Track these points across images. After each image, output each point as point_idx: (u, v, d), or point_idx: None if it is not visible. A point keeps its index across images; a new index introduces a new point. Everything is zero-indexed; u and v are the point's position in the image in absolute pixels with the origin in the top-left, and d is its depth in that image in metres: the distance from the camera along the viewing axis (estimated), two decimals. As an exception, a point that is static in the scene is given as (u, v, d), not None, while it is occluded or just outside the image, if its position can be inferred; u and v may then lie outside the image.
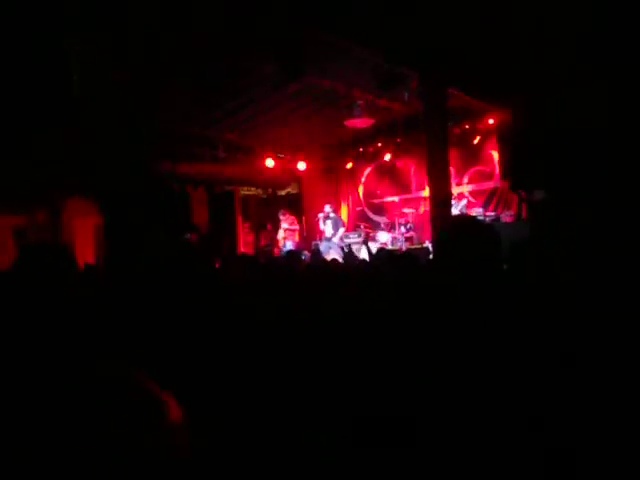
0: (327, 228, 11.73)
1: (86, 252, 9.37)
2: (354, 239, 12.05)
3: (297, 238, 12.58)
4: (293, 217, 12.71)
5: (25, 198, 8.63)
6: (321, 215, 11.85)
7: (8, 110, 6.85)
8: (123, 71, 6.75)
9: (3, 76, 5.96)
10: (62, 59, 6.12)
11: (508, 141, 9.81)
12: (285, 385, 1.77)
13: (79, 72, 6.35)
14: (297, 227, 12.66)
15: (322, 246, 11.34)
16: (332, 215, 11.81)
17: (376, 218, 12.99)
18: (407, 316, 1.84)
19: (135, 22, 5.68)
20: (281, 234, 12.52)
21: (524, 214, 9.53)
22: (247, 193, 13.46)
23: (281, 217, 12.58)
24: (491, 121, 10.19)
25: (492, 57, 6.86)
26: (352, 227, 13.05)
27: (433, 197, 7.52)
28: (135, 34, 5.95)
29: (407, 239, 11.25)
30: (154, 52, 6.48)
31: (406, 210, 11.96)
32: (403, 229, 11.50)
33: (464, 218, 2.89)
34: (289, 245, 12.03)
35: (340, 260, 7.26)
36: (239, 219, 12.96)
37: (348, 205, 13.74)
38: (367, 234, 12.02)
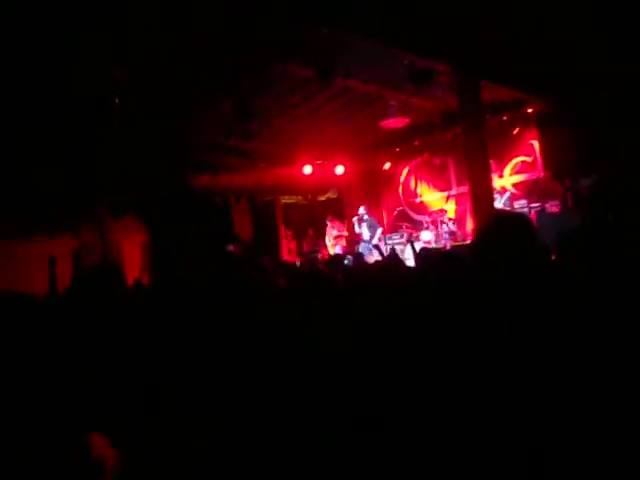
0: (363, 230, 11.74)
1: (134, 270, 9.63)
2: (397, 240, 11.97)
3: (345, 243, 12.59)
4: (340, 223, 12.72)
5: (73, 220, 8.94)
6: (355, 218, 11.91)
7: (53, 132, 7.14)
8: (161, 86, 6.93)
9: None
10: (104, 83, 6.35)
11: (550, 129, 9.56)
12: (316, 390, 1.78)
13: (119, 92, 6.56)
14: (345, 233, 12.65)
15: (361, 249, 11.32)
16: (366, 217, 11.82)
17: (417, 217, 12.85)
18: (448, 318, 1.82)
19: (168, 39, 5.82)
20: (330, 241, 12.55)
21: (570, 203, 9.25)
22: (288, 201, 13.57)
23: (328, 223, 12.64)
24: (530, 110, 9.96)
25: (524, 46, 6.72)
26: (393, 228, 12.95)
27: (474, 192, 7.40)
28: (169, 50, 6.11)
29: (451, 236, 11.09)
30: (191, 66, 6.64)
31: (447, 207, 11.81)
32: (446, 227, 11.35)
33: (497, 215, 2.83)
34: (338, 250, 12.08)
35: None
36: (281, 227, 13.07)
37: (388, 206, 13.66)
38: (410, 234, 11.91)
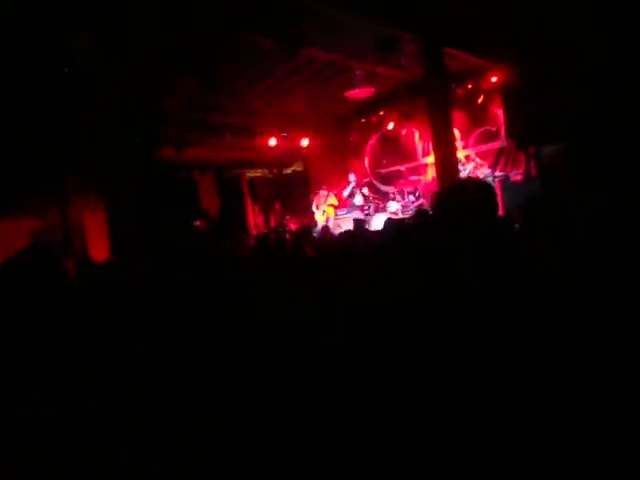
0: (358, 197, 11.96)
1: (99, 248, 9.43)
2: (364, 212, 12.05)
3: (332, 213, 12.47)
4: (330, 193, 12.58)
5: (35, 199, 8.68)
6: (352, 186, 12.12)
7: (12, 110, 6.87)
8: (122, 59, 6.71)
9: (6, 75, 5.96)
10: (59, 50, 6.10)
11: (513, 98, 9.63)
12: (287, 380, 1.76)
13: (76, 63, 6.33)
14: (335, 203, 12.52)
15: (354, 216, 11.29)
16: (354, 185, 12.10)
17: (384, 188, 12.90)
18: (405, 287, 1.83)
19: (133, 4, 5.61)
20: (320, 211, 12.41)
21: (533, 172, 9.41)
22: (254, 175, 13.44)
23: (321, 193, 12.47)
24: (494, 79, 9.99)
25: (489, 13, 6.71)
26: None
27: (439, 162, 7.44)
28: (133, 17, 5.89)
29: (417, 207, 11.17)
30: (151, 36, 6.42)
31: (413, 177, 11.87)
32: (412, 197, 11.43)
33: (457, 181, 2.85)
34: (330, 221, 12.02)
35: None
36: (248, 202, 12.96)
37: (355, 177, 13.65)
38: (377, 205, 11.97)
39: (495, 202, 1.67)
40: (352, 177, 12.23)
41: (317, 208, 12.42)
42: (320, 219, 12.24)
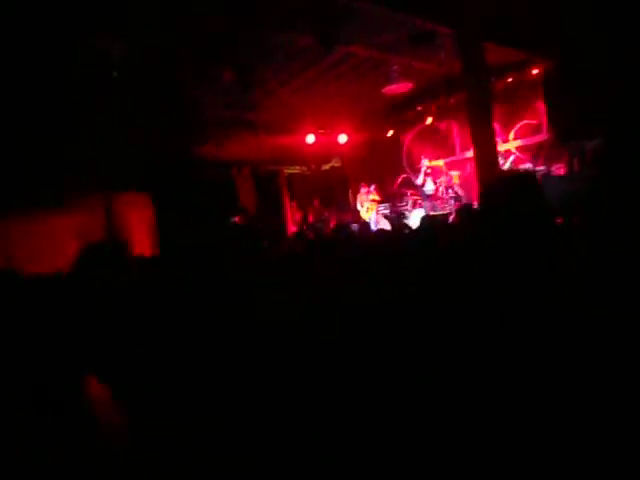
0: (429, 184, 11.00)
1: (144, 245, 9.66)
2: (402, 207, 11.99)
3: (382, 208, 12.41)
4: (370, 189, 12.49)
5: (79, 197, 8.94)
6: (424, 168, 11.07)
7: (54, 108, 7.11)
8: (162, 59, 6.86)
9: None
10: (100, 55, 6.27)
11: (556, 91, 9.41)
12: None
13: (118, 67, 6.50)
14: (377, 197, 12.44)
15: (428, 208, 10.82)
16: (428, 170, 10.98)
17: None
18: (447, 281, 1.83)
19: (167, 8, 5.73)
20: (362, 206, 12.35)
21: (576, 166, 9.17)
22: (291, 171, 13.51)
23: (362, 190, 12.43)
24: (535, 72, 9.78)
25: (528, 4, 6.58)
26: (398, 196, 12.90)
27: (478, 157, 7.34)
28: (169, 20, 6.01)
29: (456, 201, 11.03)
30: (189, 36, 6.54)
31: (453, 173, 11.72)
32: (451, 192, 11.29)
33: (505, 174, 2.79)
34: (373, 217, 11.89)
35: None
36: (285, 198, 13.04)
37: (393, 173, 13.58)
38: (415, 201, 11.88)
39: (543, 196, 1.65)
40: (425, 161, 11.20)
41: (361, 205, 12.43)
42: (365, 216, 12.23)
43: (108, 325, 1.64)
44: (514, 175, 1.82)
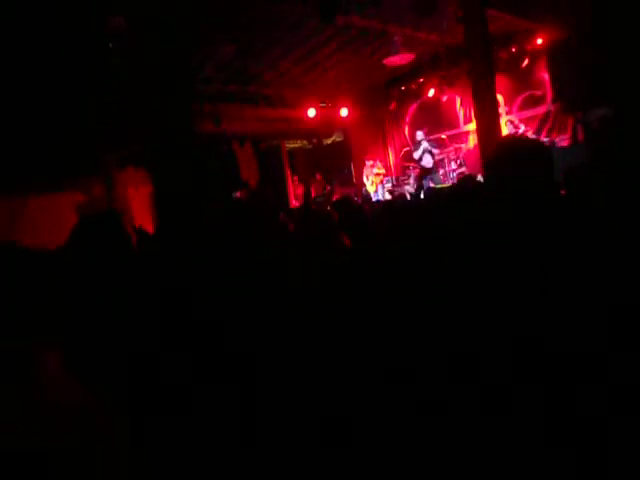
0: (426, 158, 10.76)
1: (144, 221, 9.66)
2: (404, 180, 11.95)
3: (389, 182, 12.41)
4: (375, 162, 12.52)
5: (80, 173, 8.91)
6: (423, 144, 10.75)
7: (55, 86, 7.04)
8: (161, 32, 6.74)
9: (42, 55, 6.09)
10: (99, 27, 6.18)
11: (561, 60, 9.24)
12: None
13: (116, 39, 6.40)
14: (384, 171, 12.47)
15: (432, 182, 10.58)
16: (425, 143, 10.72)
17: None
18: (453, 252, 1.80)
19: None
20: (368, 179, 12.36)
21: (580, 137, 9.07)
22: (293, 146, 13.41)
23: (367, 162, 12.45)
24: (540, 41, 9.61)
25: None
26: (401, 169, 12.83)
27: (481, 130, 7.25)
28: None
29: (459, 175, 10.96)
30: (189, 7, 6.41)
31: (455, 145, 11.62)
32: (454, 165, 11.21)
33: (513, 139, 2.70)
34: (380, 190, 11.94)
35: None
36: (287, 172, 12.98)
37: (395, 147, 13.48)
38: (417, 174, 11.80)
39: (552, 164, 1.58)
40: (420, 134, 10.93)
41: (367, 179, 12.41)
42: (371, 189, 12.22)
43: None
44: (524, 144, 1.73)
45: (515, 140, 1.96)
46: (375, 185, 12.25)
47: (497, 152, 1.70)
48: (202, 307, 1.90)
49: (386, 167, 13.33)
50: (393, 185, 12.29)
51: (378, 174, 12.30)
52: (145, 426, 1.29)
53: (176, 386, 1.48)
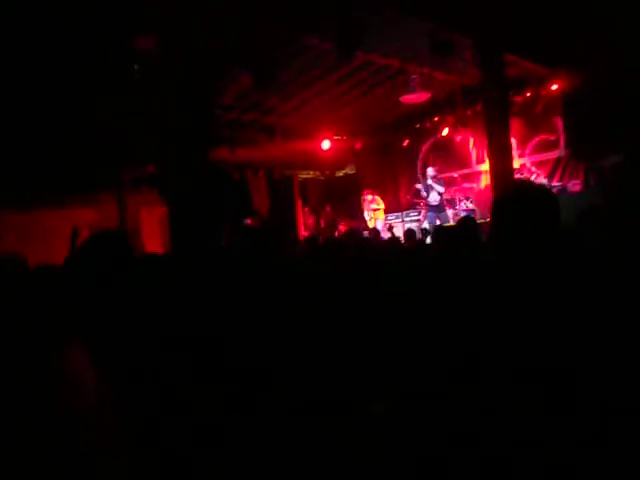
0: (432, 195, 10.65)
1: (153, 242, 9.72)
2: (414, 217, 11.95)
3: (382, 217, 12.38)
4: (374, 196, 12.52)
5: (93, 191, 9.02)
6: (429, 180, 10.68)
7: (72, 106, 7.17)
8: (182, 58, 6.89)
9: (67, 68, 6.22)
10: (125, 49, 6.31)
11: (575, 107, 9.35)
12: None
13: (140, 61, 6.53)
14: (382, 206, 12.44)
15: (429, 219, 10.66)
16: (430, 182, 10.61)
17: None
18: (454, 291, 1.81)
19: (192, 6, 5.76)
20: (368, 215, 12.41)
21: (592, 183, 9.10)
22: (305, 176, 13.52)
23: (365, 197, 12.50)
24: (555, 87, 9.74)
25: (553, 19, 6.54)
26: (411, 205, 12.87)
27: (494, 171, 7.30)
28: (191, 21, 6.04)
29: (469, 214, 10.98)
30: (211, 37, 6.57)
31: (466, 185, 11.68)
32: (464, 205, 11.24)
33: (522, 183, 2.75)
34: (379, 225, 11.90)
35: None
36: (299, 203, 13.05)
37: (406, 183, 13.55)
38: (426, 212, 11.83)
39: (558, 210, 1.60)
40: (431, 170, 10.82)
41: (366, 214, 12.46)
42: (370, 224, 12.23)
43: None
44: (529, 188, 1.77)
45: (524, 185, 1.99)
46: (373, 220, 12.25)
47: (505, 195, 1.73)
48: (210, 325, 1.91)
49: (396, 202, 13.39)
50: (391, 224, 12.30)
51: (376, 209, 12.31)
52: (147, 425, 1.30)
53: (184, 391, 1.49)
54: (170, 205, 7.91)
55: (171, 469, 1.39)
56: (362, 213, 12.81)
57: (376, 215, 12.29)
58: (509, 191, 1.76)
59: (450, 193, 11.99)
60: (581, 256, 1.59)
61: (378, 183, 13.30)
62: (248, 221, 10.44)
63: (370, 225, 12.17)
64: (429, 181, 10.63)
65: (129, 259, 1.84)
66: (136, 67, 6.20)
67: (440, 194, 10.59)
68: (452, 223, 10.51)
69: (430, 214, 10.74)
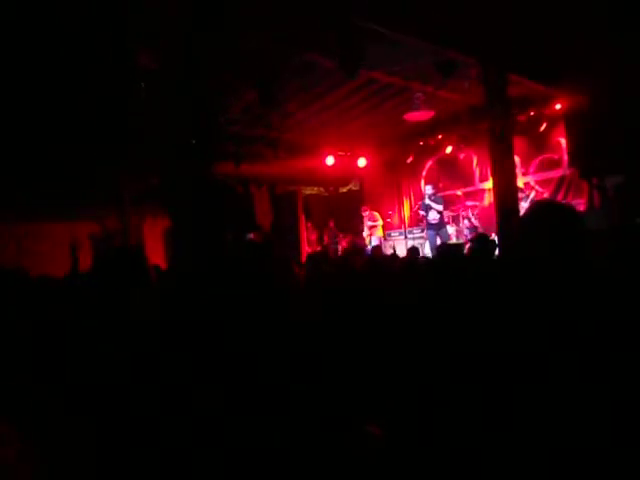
0: (431, 213, 10.56)
1: (156, 255, 9.71)
2: (417, 234, 11.93)
3: (381, 233, 12.42)
4: (372, 213, 12.54)
5: (96, 204, 9.04)
6: (427, 198, 10.65)
7: (76, 118, 7.22)
8: (186, 73, 6.93)
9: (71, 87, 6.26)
10: (129, 67, 6.37)
11: (578, 126, 9.38)
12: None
13: (145, 78, 6.58)
14: (379, 222, 12.45)
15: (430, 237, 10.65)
16: (428, 202, 10.58)
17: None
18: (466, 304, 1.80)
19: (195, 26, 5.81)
20: (366, 231, 12.45)
21: (596, 202, 9.09)
22: (309, 192, 13.56)
23: (363, 214, 12.53)
24: (558, 106, 9.78)
25: (557, 39, 6.59)
26: (415, 222, 12.88)
27: (498, 190, 7.31)
28: (196, 37, 6.09)
29: (472, 231, 10.98)
30: (217, 53, 6.62)
31: (470, 203, 11.69)
32: (467, 222, 11.24)
33: (546, 201, 2.77)
34: (374, 241, 11.89)
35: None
36: (302, 218, 13.06)
37: (410, 200, 13.58)
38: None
39: (580, 228, 1.62)
40: (429, 189, 10.80)
41: (365, 230, 12.48)
42: (367, 240, 12.23)
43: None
44: (554, 206, 1.78)
45: (550, 204, 1.99)
46: (369, 237, 12.27)
47: (532, 213, 1.75)
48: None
49: (399, 219, 13.41)
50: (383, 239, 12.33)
51: (372, 226, 12.31)
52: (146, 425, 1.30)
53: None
54: (172, 218, 7.94)
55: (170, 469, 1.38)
56: (344, 232, 12.89)
57: (372, 232, 12.28)
58: (533, 209, 1.78)
59: (454, 210, 12.00)
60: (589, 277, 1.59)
61: (382, 200, 13.34)
62: (251, 236, 10.44)
63: (367, 241, 12.19)
64: (426, 200, 10.62)
65: (147, 274, 1.85)
66: (142, 85, 6.24)
67: (439, 212, 10.55)
68: (454, 240, 10.52)
69: (430, 232, 10.68)
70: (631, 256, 2.41)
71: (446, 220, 11.38)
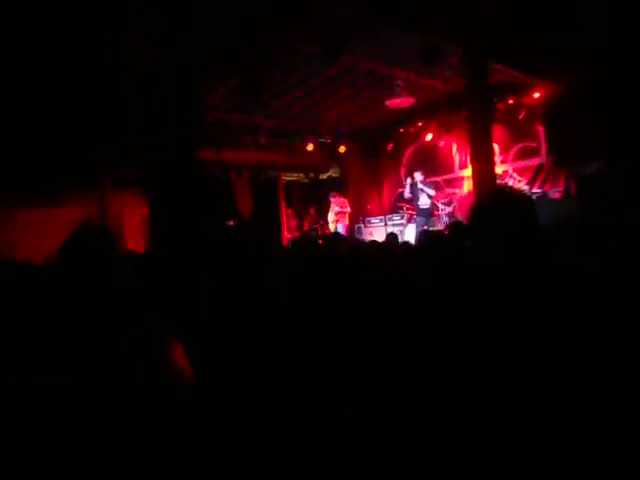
0: (423, 198, 10.58)
1: (136, 242, 9.62)
2: (397, 221, 12.00)
3: (347, 221, 12.32)
4: (343, 199, 12.44)
5: (78, 190, 8.92)
6: (418, 184, 10.58)
7: (58, 105, 7.10)
8: (168, 59, 6.85)
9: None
10: (119, 51, 6.27)
11: (556, 115, 9.50)
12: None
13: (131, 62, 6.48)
14: (348, 210, 12.37)
15: (417, 224, 10.59)
16: (421, 186, 10.56)
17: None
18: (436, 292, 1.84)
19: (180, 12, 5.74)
20: (331, 217, 12.29)
21: (572, 190, 9.24)
22: (290, 179, 13.54)
23: (331, 200, 12.39)
24: (537, 95, 9.89)
25: (537, 27, 6.65)
26: (394, 209, 12.95)
27: (477, 177, 7.38)
28: (179, 24, 6.01)
29: (450, 219, 11.08)
30: (199, 39, 6.54)
31: (449, 190, 11.79)
32: (446, 209, 11.33)
33: (499, 189, 2.81)
34: (340, 228, 11.80)
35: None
36: (282, 205, 13.04)
37: (390, 186, 13.65)
38: (410, 215, 11.90)
39: (536, 216, 1.64)
40: (418, 175, 10.69)
41: (330, 215, 12.33)
42: (331, 227, 12.11)
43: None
44: (508, 194, 1.81)
45: (502, 190, 2.03)
46: (334, 224, 12.10)
47: (483, 201, 1.77)
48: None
49: (379, 206, 13.47)
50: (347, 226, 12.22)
51: (340, 212, 12.18)
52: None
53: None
54: (151, 203, 7.89)
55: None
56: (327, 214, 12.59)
57: (339, 218, 12.07)
58: (487, 196, 1.79)
59: (433, 197, 12.04)
60: (554, 261, 1.62)
61: (362, 187, 13.38)
62: (230, 222, 10.40)
63: (331, 228, 12.01)
64: (419, 185, 10.58)
65: (115, 255, 1.82)
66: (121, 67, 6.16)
67: (430, 197, 10.57)
68: (439, 228, 10.60)
69: (420, 219, 10.68)
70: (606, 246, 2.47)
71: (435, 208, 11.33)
